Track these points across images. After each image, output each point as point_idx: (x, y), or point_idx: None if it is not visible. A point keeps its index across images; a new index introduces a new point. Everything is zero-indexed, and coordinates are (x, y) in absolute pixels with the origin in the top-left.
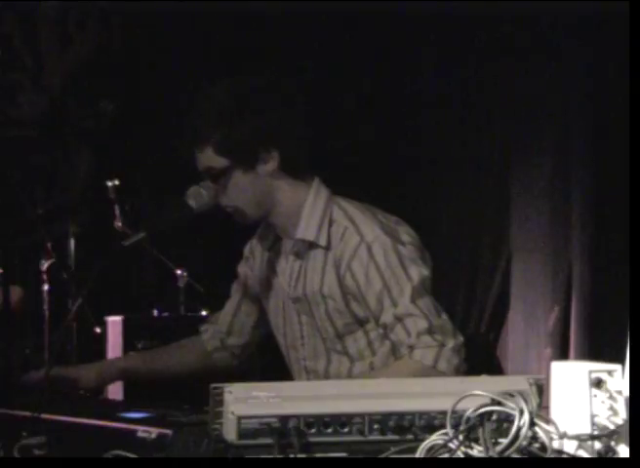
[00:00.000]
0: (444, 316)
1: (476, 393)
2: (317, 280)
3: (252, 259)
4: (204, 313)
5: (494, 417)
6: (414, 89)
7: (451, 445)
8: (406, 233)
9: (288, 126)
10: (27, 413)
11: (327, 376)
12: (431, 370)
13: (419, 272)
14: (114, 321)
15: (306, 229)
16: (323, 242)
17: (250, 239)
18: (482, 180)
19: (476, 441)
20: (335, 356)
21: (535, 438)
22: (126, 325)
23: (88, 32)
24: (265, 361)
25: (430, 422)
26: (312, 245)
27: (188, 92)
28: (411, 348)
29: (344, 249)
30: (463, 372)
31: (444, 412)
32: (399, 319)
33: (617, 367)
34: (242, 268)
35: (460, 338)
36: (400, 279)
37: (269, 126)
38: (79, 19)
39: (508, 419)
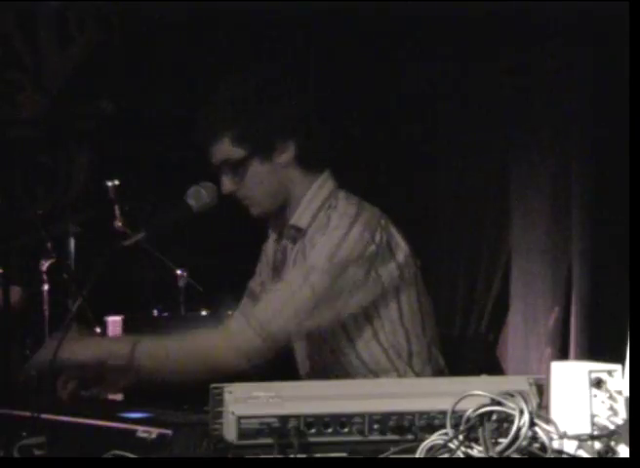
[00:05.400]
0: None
1: (476, 393)
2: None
3: (265, 254)
4: (204, 313)
5: (494, 417)
6: (412, 88)
7: (451, 445)
8: (375, 248)
9: (303, 116)
10: (27, 413)
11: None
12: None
13: (311, 287)
14: (114, 321)
15: (301, 216)
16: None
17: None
18: (482, 180)
19: (476, 441)
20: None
21: (535, 438)
22: (126, 325)
23: (88, 32)
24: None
25: (430, 422)
26: (301, 230)
27: (188, 90)
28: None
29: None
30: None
31: (444, 412)
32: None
33: (617, 367)
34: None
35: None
36: (296, 274)
37: (285, 115)
38: (79, 19)
39: (508, 419)
